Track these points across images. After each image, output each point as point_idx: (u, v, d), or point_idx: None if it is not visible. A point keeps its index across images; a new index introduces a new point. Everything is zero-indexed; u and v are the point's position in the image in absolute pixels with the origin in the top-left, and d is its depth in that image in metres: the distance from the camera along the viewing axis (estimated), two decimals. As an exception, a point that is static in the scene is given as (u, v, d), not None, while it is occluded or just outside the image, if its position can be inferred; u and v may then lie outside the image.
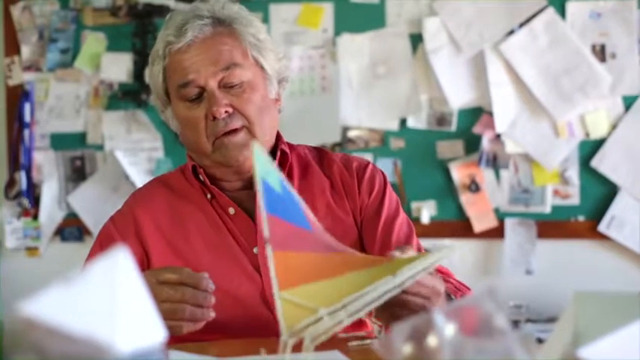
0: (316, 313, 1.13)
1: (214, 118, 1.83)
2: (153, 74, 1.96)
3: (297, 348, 1.14)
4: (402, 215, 2.04)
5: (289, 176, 1.96)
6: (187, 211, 1.94)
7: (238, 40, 1.90)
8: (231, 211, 1.92)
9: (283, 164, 1.97)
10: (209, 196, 1.95)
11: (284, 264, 1.21)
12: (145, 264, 1.89)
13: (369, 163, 2.08)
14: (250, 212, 1.91)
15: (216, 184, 1.94)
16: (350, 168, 2.04)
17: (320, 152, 2.11)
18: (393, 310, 1.45)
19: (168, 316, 1.42)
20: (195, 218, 1.93)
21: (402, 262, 1.29)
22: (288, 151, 1.99)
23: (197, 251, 1.89)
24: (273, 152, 1.97)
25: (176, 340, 1.60)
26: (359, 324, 1.69)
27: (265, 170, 1.29)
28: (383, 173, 2.08)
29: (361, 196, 2.01)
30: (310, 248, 1.32)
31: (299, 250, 1.28)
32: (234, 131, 1.85)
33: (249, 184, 1.92)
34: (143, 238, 1.92)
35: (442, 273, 1.87)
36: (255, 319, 1.83)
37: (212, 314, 1.49)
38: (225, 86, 1.86)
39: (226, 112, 1.83)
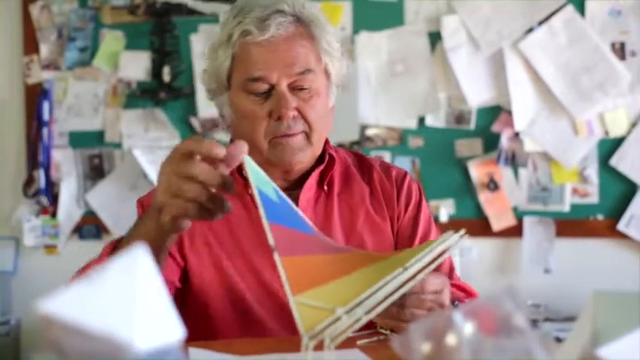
0: (334, 313, 1.13)
1: (279, 118, 1.81)
2: (217, 57, 1.89)
3: (317, 348, 1.14)
4: (434, 229, 2.06)
5: (331, 181, 1.98)
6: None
7: (314, 45, 1.87)
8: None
9: (330, 168, 1.97)
10: (250, 191, 1.90)
11: (294, 269, 1.21)
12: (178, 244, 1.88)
13: (406, 173, 2.09)
14: None
15: None
16: (389, 176, 2.05)
17: (358, 156, 2.11)
18: (396, 323, 1.47)
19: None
20: (236, 210, 1.89)
21: (410, 253, 1.28)
22: (335, 155, 1.99)
23: (235, 242, 1.89)
24: (321, 156, 1.97)
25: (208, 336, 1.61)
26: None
27: (260, 180, 1.31)
28: (419, 185, 2.10)
29: (399, 206, 2.02)
30: (316, 251, 1.32)
31: (306, 253, 1.29)
32: (293, 135, 1.83)
33: (292, 186, 1.93)
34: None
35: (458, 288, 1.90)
36: (286, 312, 1.84)
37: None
38: (294, 88, 1.83)
39: (293, 115, 1.82)
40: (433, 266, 1.28)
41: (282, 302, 1.82)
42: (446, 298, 1.48)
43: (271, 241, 1.21)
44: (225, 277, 1.86)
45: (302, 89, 1.83)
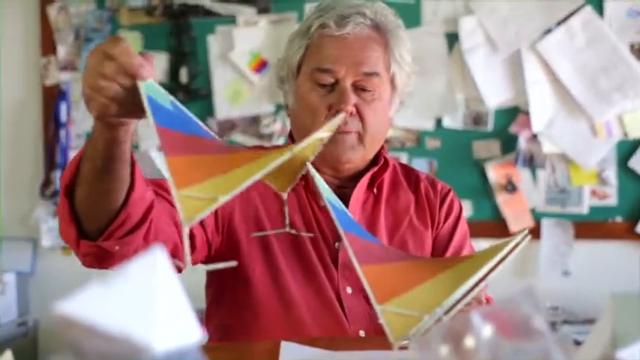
0: (421, 320, 1.14)
1: (337, 112, 1.82)
2: (292, 46, 1.96)
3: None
4: (469, 245, 2.08)
5: (381, 185, 2.01)
6: None
7: (387, 52, 1.92)
8: (322, 202, 1.93)
9: (382, 172, 2.00)
10: (303, 182, 1.96)
11: (374, 278, 1.23)
12: (226, 220, 1.90)
13: (451, 188, 2.13)
14: None
15: None
16: (435, 188, 2.10)
17: (406, 168, 2.16)
18: None
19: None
20: (288, 199, 1.91)
21: (483, 256, 1.29)
22: (389, 160, 2.03)
23: (285, 233, 1.89)
24: (375, 159, 2.00)
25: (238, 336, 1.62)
26: None
27: (327, 192, 1.39)
28: (460, 202, 2.13)
29: (439, 215, 2.06)
30: (390, 259, 1.33)
31: (381, 262, 1.30)
32: (348, 132, 1.87)
33: (342, 183, 1.96)
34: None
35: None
36: (327, 310, 1.87)
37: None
38: (358, 88, 1.87)
39: (351, 112, 1.85)
40: (501, 267, 1.29)
41: (330, 307, 1.85)
42: (483, 294, 1.49)
43: (350, 251, 1.24)
44: (277, 272, 1.87)
45: (365, 90, 1.87)
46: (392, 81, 1.95)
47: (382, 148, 2.01)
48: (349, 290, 1.87)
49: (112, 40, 1.30)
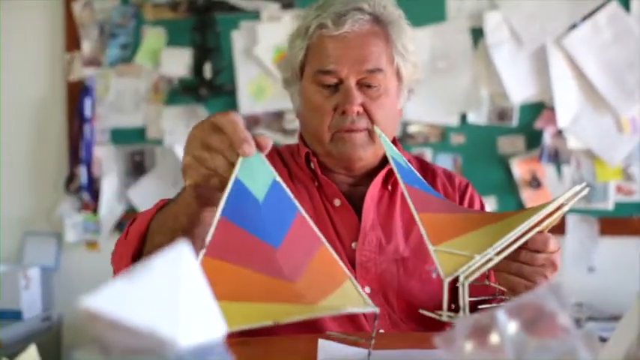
0: (472, 258, 1.21)
1: (344, 112, 1.84)
2: (294, 47, 1.96)
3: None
4: None
5: (395, 181, 1.99)
6: (295, 190, 1.93)
7: (389, 45, 1.91)
8: (337, 202, 1.94)
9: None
10: (316, 183, 1.97)
11: (429, 223, 1.31)
12: None
13: (469, 182, 2.13)
14: (355, 207, 1.93)
15: (325, 174, 1.95)
16: (452, 182, 2.09)
17: (422, 163, 2.16)
18: (511, 278, 1.49)
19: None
20: (301, 200, 1.91)
21: (535, 209, 1.33)
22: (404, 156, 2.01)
23: None
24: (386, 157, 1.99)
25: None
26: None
27: (393, 151, 1.46)
28: (481, 197, 2.13)
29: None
30: (449, 210, 1.41)
31: (437, 211, 1.37)
32: (356, 130, 1.86)
33: (356, 182, 1.96)
34: None
35: None
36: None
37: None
38: (363, 85, 1.87)
39: (357, 111, 1.85)
40: (556, 216, 1.33)
41: None
42: (558, 259, 1.50)
43: (408, 199, 1.36)
44: None
45: (370, 87, 1.87)
46: (397, 73, 1.94)
47: (396, 144, 1.98)
48: (367, 290, 1.86)
49: (222, 112, 1.30)
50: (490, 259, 1.21)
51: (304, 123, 1.98)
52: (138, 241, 1.53)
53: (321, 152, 1.91)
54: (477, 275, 1.20)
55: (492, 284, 1.51)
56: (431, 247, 1.25)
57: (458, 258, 1.22)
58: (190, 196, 1.39)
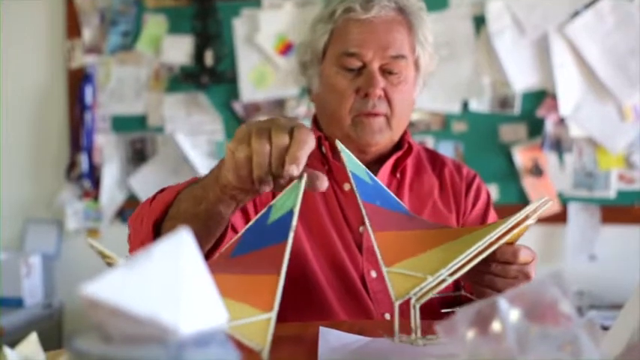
0: (425, 280, 1.19)
1: (366, 95, 1.87)
2: (315, 31, 1.97)
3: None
4: None
5: (404, 170, 2.03)
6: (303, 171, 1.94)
7: (411, 34, 1.95)
8: (347, 187, 1.95)
9: (405, 157, 2.01)
10: (326, 167, 1.98)
11: (385, 243, 1.29)
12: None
13: (477, 174, 2.14)
14: None
15: (337, 158, 1.96)
16: (460, 172, 2.10)
17: (431, 153, 2.17)
18: (483, 289, 1.49)
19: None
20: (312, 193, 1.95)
21: (496, 224, 1.31)
22: (413, 145, 2.04)
23: (307, 218, 1.92)
24: (399, 144, 2.02)
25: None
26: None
27: (353, 164, 1.41)
28: (488, 190, 2.14)
29: (466, 201, 2.06)
30: (407, 227, 1.37)
31: (397, 229, 1.35)
32: (376, 115, 1.89)
33: (367, 166, 1.96)
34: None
35: None
36: (352, 294, 1.88)
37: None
38: (385, 71, 1.89)
39: (379, 95, 1.87)
40: (516, 231, 1.31)
41: (355, 292, 1.86)
42: (532, 270, 1.48)
43: (365, 218, 1.31)
44: (302, 256, 1.88)
45: (392, 73, 1.89)
46: (416, 63, 1.97)
47: (406, 133, 2.02)
48: (374, 274, 1.88)
49: (303, 125, 1.29)
50: (443, 280, 1.18)
51: (323, 106, 1.99)
52: (162, 210, 1.54)
53: (339, 135, 1.91)
54: (428, 297, 1.18)
55: (466, 294, 1.53)
56: (384, 269, 1.23)
57: (411, 278, 1.20)
58: (223, 185, 1.37)
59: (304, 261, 1.87)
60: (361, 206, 1.33)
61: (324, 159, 1.99)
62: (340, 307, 1.84)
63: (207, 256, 1.50)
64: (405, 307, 1.85)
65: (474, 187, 2.08)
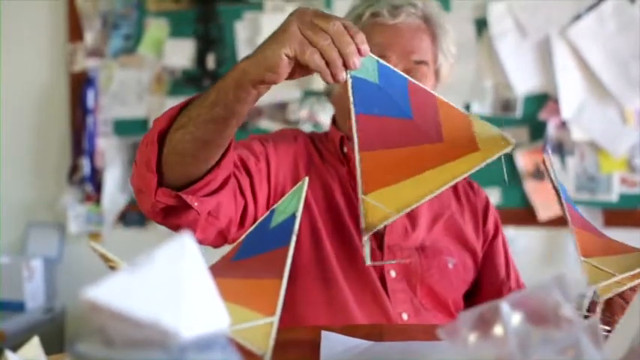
0: (391, 216, 1.25)
1: None
2: None
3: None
4: (510, 252, 2.15)
5: None
6: (327, 172, 2.01)
7: (435, 43, 1.99)
8: None
9: None
10: (346, 167, 2.01)
11: (370, 165, 1.32)
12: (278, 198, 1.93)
13: (487, 195, 2.20)
14: None
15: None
16: (472, 186, 2.17)
17: None
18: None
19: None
20: (332, 183, 1.99)
21: (472, 161, 1.39)
22: None
23: (328, 217, 1.94)
24: None
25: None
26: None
27: (367, 61, 1.39)
28: (495, 212, 2.19)
29: (487, 226, 2.11)
30: (400, 142, 1.38)
31: (387, 147, 1.36)
32: None
33: None
34: (297, 164, 1.99)
35: None
36: (370, 293, 1.89)
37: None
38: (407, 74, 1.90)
39: None
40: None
41: (374, 291, 1.88)
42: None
43: (355, 137, 1.34)
44: (321, 255, 1.90)
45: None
46: (437, 72, 2.01)
47: None
48: (393, 274, 1.91)
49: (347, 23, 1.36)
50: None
51: (343, 108, 1.99)
52: (167, 122, 1.55)
53: None
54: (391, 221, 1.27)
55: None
56: (361, 195, 1.30)
57: (381, 211, 1.25)
58: (246, 74, 1.41)
59: (325, 260, 1.88)
60: (353, 122, 1.37)
61: (345, 159, 2.01)
62: (357, 305, 1.85)
63: (212, 169, 1.56)
64: (418, 307, 1.89)
65: (491, 213, 2.13)
